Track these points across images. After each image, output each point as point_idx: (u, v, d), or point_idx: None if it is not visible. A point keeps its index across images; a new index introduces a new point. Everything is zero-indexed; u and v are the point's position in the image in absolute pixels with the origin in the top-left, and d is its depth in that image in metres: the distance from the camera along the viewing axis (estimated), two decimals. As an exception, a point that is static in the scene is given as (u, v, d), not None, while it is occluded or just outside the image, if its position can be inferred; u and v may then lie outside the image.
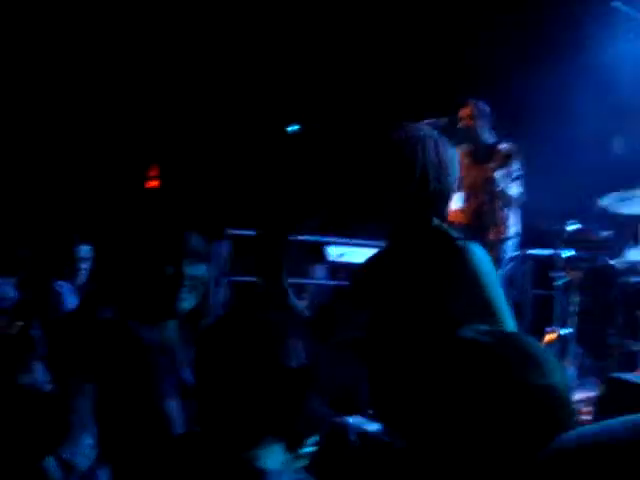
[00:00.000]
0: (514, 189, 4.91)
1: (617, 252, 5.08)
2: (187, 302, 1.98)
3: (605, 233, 4.97)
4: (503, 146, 5.01)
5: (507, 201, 4.87)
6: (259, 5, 7.59)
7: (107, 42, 7.83)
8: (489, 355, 1.08)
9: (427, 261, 1.83)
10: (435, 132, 1.97)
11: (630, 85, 6.42)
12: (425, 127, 1.98)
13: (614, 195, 4.76)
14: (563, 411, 1.08)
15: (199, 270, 2.01)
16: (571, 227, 5.07)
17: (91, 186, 8.26)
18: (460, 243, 1.82)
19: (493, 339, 1.12)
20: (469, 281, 1.74)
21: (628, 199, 4.73)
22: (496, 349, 1.09)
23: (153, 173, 9.05)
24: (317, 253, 6.30)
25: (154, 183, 8.97)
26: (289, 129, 5.65)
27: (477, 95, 5.34)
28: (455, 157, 1.95)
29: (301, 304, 6.97)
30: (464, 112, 5.02)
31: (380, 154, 1.88)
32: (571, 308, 4.88)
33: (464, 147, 4.99)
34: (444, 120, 4.78)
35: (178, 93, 8.31)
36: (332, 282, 6.35)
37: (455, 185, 1.94)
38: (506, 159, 4.88)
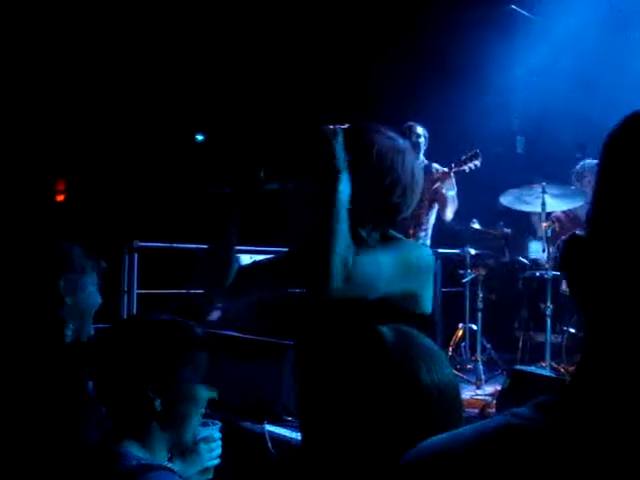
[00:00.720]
0: (452, 191, 4.97)
1: (519, 248, 5.25)
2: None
3: (507, 230, 5.12)
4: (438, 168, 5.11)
5: (443, 202, 4.93)
6: (166, 21, 7.48)
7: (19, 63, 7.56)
8: (386, 346, 1.10)
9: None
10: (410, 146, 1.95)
11: (529, 85, 6.67)
12: (402, 139, 1.93)
13: (514, 192, 4.91)
14: (451, 409, 1.09)
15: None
16: (475, 225, 5.21)
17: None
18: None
19: (394, 333, 1.14)
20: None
21: (527, 196, 4.88)
22: (394, 342, 1.11)
23: (60, 187, 8.81)
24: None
25: (60, 197, 8.73)
26: (197, 138, 5.61)
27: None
28: (421, 176, 1.95)
29: (215, 313, 6.89)
30: (413, 129, 5.12)
31: (359, 150, 1.84)
32: (478, 304, 5.00)
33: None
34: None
35: (85, 104, 8.12)
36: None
37: (414, 203, 1.92)
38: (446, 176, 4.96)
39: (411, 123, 5.15)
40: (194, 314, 6.25)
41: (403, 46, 7.28)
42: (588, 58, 6.30)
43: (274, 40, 7.36)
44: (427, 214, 4.93)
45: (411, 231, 4.79)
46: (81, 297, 1.92)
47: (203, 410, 1.60)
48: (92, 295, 1.97)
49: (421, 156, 5.08)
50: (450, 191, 4.85)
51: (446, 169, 4.94)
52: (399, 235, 1.95)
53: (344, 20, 7.24)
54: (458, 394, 1.12)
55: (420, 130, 5.13)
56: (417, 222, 4.86)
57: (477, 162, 4.88)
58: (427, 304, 1.85)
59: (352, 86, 6.99)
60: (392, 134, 1.90)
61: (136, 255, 5.49)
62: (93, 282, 1.96)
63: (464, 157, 4.93)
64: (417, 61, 7.30)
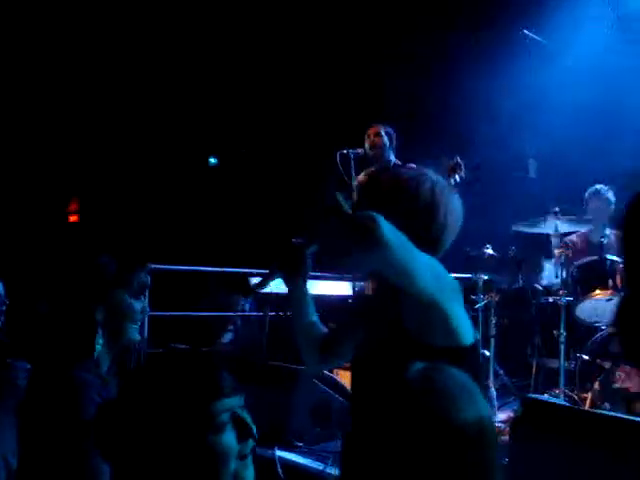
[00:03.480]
0: None
1: (533, 274, 5.22)
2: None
3: (521, 255, 5.10)
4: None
5: None
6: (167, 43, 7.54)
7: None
8: (412, 391, 1.09)
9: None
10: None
11: (541, 108, 6.67)
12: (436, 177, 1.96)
13: (528, 219, 4.91)
14: (485, 447, 1.08)
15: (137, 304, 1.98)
16: (489, 251, 5.19)
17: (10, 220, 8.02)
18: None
19: (422, 373, 1.13)
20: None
21: (539, 222, 4.87)
22: (421, 384, 1.10)
23: (73, 207, 8.86)
24: (242, 284, 6.25)
25: (74, 217, 8.78)
26: (210, 161, 5.63)
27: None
28: (459, 210, 1.97)
29: (227, 336, 6.89)
30: (372, 130, 5.02)
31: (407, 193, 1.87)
32: (491, 330, 4.96)
33: (370, 169, 5.00)
34: (361, 150, 4.86)
35: (100, 125, 8.18)
36: (257, 313, 6.29)
37: (448, 241, 1.94)
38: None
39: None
40: (206, 336, 6.26)
41: (415, 70, 7.31)
42: (600, 82, 6.31)
43: (284, 65, 7.42)
44: None
45: None
46: (116, 311, 1.94)
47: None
48: (129, 307, 1.99)
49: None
50: None
51: None
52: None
53: (350, 51, 7.28)
54: (493, 431, 1.09)
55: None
56: None
57: (457, 176, 4.75)
58: (466, 333, 1.83)
59: (363, 114, 7.00)
60: (428, 173, 1.93)
61: (149, 277, 5.50)
62: (133, 293, 1.99)
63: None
64: (429, 85, 7.32)
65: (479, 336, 5.24)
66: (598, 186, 5.19)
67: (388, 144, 4.98)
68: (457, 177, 4.73)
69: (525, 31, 6.57)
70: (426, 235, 1.86)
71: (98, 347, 1.88)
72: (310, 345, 2.09)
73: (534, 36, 6.49)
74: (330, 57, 7.41)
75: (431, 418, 1.05)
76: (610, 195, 5.19)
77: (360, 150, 4.81)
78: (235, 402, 1.26)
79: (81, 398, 1.79)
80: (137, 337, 2.02)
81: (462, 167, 4.64)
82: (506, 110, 6.67)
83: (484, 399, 1.14)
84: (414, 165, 1.98)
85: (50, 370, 1.86)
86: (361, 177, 4.53)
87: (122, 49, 7.50)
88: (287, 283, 2.09)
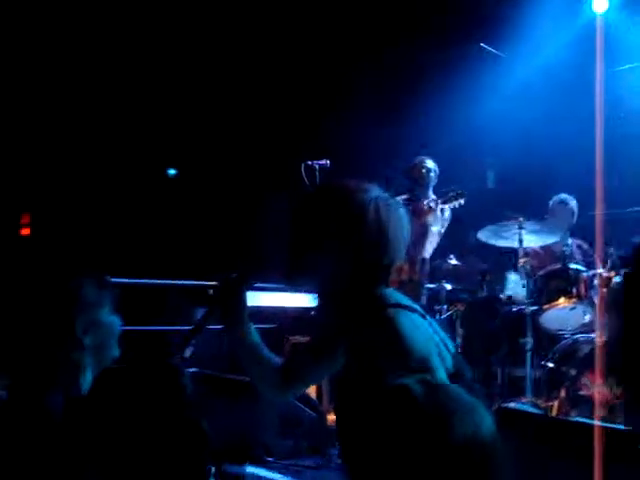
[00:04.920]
0: (435, 227, 4.95)
1: (496, 283, 5.27)
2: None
3: (484, 265, 5.15)
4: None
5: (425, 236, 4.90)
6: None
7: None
8: (416, 404, 1.07)
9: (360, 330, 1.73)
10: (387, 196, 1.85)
11: (499, 120, 6.76)
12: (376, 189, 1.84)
13: (491, 228, 4.94)
14: (488, 462, 1.07)
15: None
16: (452, 261, 5.22)
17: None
18: (388, 313, 1.71)
19: (423, 387, 1.11)
20: (395, 350, 1.64)
21: (504, 232, 4.92)
22: (424, 398, 1.09)
23: (25, 221, 8.63)
24: (202, 297, 6.15)
25: (25, 231, 8.55)
26: (169, 173, 5.55)
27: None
28: (406, 223, 1.85)
29: (188, 351, 6.79)
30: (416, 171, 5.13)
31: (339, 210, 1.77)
32: (456, 340, 4.98)
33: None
34: (325, 161, 4.85)
35: (53, 136, 8.00)
36: (218, 327, 6.18)
37: (402, 253, 1.83)
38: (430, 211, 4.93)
39: (422, 157, 5.16)
40: (166, 351, 6.13)
41: (372, 84, 7.35)
42: (556, 95, 6.44)
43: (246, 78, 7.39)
44: (418, 252, 4.85)
45: (404, 275, 4.69)
46: (100, 331, 1.87)
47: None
48: (111, 324, 1.92)
49: (430, 192, 5.09)
50: (433, 226, 4.86)
51: (432, 204, 4.95)
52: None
53: (311, 64, 7.29)
54: (497, 445, 1.09)
55: (431, 164, 5.16)
56: (411, 263, 4.79)
57: (462, 201, 4.90)
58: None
59: (324, 133, 6.99)
60: (363, 188, 1.81)
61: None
62: (110, 309, 1.91)
63: (451, 194, 4.94)
64: (388, 99, 7.37)
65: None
66: (563, 195, 5.30)
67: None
68: (457, 204, 4.83)
69: (483, 45, 6.68)
70: (380, 259, 1.78)
71: (85, 368, 1.81)
72: (270, 377, 1.99)
73: (492, 49, 6.59)
74: (287, 70, 7.41)
75: (435, 433, 1.04)
76: (574, 205, 5.29)
77: (325, 161, 4.80)
78: None
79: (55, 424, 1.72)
80: (117, 352, 1.94)
81: (464, 198, 4.76)
82: (464, 122, 6.74)
83: (485, 413, 1.13)
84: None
85: (28, 397, 1.77)
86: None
87: (78, 58, 7.37)
88: (227, 324, 1.99)
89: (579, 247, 5.26)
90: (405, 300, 1.79)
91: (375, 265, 1.78)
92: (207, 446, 1.51)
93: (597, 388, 4.08)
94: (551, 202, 5.34)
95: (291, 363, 2.02)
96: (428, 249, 4.91)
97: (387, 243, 1.78)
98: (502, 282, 5.20)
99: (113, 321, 1.92)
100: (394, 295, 1.80)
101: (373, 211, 1.76)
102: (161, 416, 1.51)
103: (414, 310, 1.77)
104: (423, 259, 4.90)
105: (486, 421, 1.09)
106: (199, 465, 1.50)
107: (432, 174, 5.16)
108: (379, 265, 1.78)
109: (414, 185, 5.20)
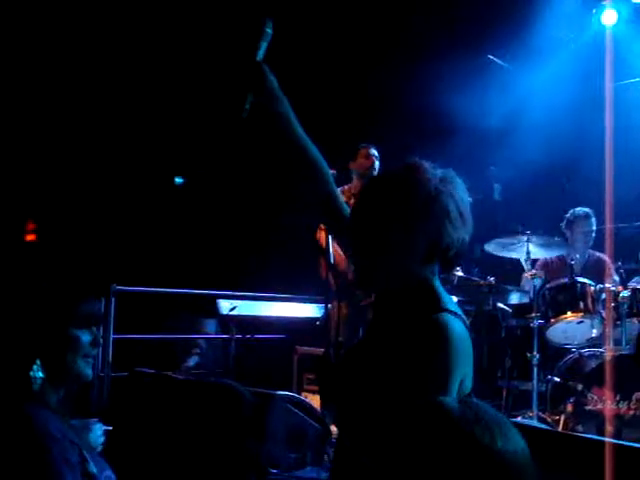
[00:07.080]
0: None
1: (502, 296, 5.24)
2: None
3: (490, 278, 5.12)
4: None
5: None
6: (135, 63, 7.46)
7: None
8: (454, 419, 1.07)
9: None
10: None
11: (505, 132, 6.76)
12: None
13: (497, 240, 4.93)
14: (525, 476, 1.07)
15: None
16: (458, 273, 5.20)
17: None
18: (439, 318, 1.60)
19: (458, 404, 1.12)
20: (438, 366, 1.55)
21: (509, 244, 4.90)
22: (461, 413, 1.08)
23: (30, 227, 8.62)
24: (209, 306, 6.14)
25: (31, 237, 8.54)
26: (176, 181, 5.54)
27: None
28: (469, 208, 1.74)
29: (193, 359, 6.77)
30: (363, 152, 5.15)
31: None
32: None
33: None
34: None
35: (59, 142, 8.01)
36: (223, 336, 6.18)
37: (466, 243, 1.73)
38: None
39: (365, 144, 5.22)
40: (171, 360, 6.12)
41: (377, 95, 7.34)
42: (564, 107, 6.43)
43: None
44: None
45: None
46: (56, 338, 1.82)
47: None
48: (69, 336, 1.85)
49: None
50: None
51: None
52: None
53: (313, 76, 7.30)
54: (530, 460, 1.09)
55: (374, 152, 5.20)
56: None
57: None
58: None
59: (326, 134, 6.97)
60: (431, 171, 1.70)
61: (113, 299, 5.37)
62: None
63: None
64: (393, 109, 7.36)
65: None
66: (585, 209, 5.17)
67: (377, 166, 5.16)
68: None
69: (490, 56, 6.68)
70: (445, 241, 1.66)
71: (38, 381, 1.76)
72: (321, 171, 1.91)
73: (500, 61, 6.60)
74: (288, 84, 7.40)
75: (475, 446, 1.04)
76: (594, 220, 5.12)
77: (332, 171, 4.80)
78: None
79: (36, 434, 1.68)
80: (88, 373, 1.84)
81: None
82: (471, 133, 6.74)
83: (517, 432, 1.13)
84: None
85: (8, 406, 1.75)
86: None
87: (86, 65, 7.39)
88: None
89: (598, 261, 5.19)
90: (455, 304, 1.71)
91: (448, 249, 1.68)
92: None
93: (604, 403, 4.06)
94: (571, 215, 5.20)
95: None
96: None
97: (465, 221, 1.71)
98: (508, 295, 5.17)
99: (78, 337, 1.83)
100: (447, 296, 1.71)
101: (447, 189, 1.66)
102: (217, 436, 1.47)
103: (462, 318, 1.68)
104: None
105: (518, 437, 1.09)
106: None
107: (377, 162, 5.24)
108: (453, 248, 1.69)
109: None
